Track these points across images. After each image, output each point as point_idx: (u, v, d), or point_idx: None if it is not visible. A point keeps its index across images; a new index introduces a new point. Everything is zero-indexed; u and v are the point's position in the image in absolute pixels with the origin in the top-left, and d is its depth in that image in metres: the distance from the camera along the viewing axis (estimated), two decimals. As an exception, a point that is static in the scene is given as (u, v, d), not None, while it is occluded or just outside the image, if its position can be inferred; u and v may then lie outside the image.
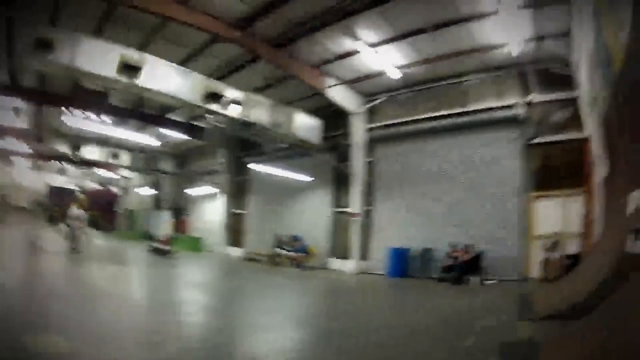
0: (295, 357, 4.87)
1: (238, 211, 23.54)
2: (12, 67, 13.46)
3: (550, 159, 12.46)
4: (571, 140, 11.86)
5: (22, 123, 18.36)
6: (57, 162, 26.71)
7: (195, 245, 23.36)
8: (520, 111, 12.97)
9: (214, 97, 11.70)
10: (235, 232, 23.43)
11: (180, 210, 27.59)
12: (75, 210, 14.78)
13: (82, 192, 27.55)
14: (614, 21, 5.78)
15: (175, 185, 28.72)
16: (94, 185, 34.45)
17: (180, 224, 26.51)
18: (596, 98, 7.90)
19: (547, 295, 8.06)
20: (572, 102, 11.70)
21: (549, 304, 7.19)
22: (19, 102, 15.42)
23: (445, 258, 13.46)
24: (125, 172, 30.59)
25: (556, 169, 12.28)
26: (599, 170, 8.30)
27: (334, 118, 16.76)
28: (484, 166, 13.84)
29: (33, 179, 32.65)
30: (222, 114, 12.16)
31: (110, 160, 23.84)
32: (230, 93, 12.14)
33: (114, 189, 35.42)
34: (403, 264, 14.66)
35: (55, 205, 27.66)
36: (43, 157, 25.26)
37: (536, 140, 12.71)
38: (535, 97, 12.71)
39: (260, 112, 12.91)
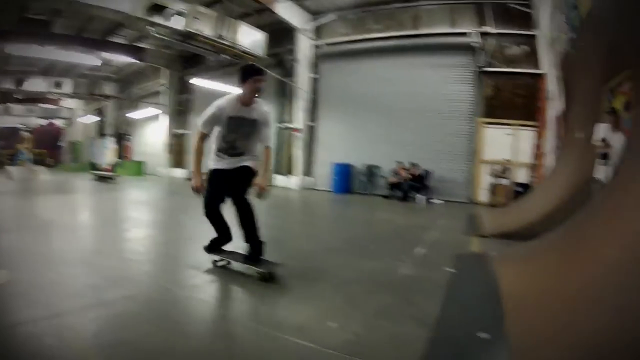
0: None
1: (180, 131, 22.87)
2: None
3: (502, 89, 12.83)
4: (525, 74, 12.32)
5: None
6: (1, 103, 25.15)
7: (138, 169, 22.90)
8: (474, 39, 13.02)
9: (158, 8, 11.20)
10: (177, 153, 22.93)
11: (122, 136, 26.73)
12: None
13: (28, 130, 25.88)
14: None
15: (118, 110, 27.56)
16: (39, 122, 32.44)
17: (123, 150, 25.78)
18: (557, 38, 8.34)
19: (496, 217, 8.25)
20: (528, 39, 12.16)
21: (498, 225, 7.35)
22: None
23: (392, 175, 13.76)
24: (69, 103, 29.02)
25: (507, 100, 12.72)
26: (553, 106, 8.90)
27: (281, 34, 16.15)
28: (434, 88, 13.85)
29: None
30: (165, 26, 11.67)
31: (54, 90, 22.57)
32: (175, 5, 11.60)
33: (58, 123, 33.64)
34: (348, 180, 14.89)
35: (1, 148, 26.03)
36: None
37: (489, 69, 12.99)
38: (491, 29, 12.88)
39: (204, 24, 12.41)
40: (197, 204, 4.31)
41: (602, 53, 5.39)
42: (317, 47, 16.49)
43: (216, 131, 4.04)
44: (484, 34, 12.97)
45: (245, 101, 3.93)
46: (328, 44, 16.19)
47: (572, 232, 4.46)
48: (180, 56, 20.96)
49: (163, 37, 12.44)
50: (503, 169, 12.38)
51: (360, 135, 15.27)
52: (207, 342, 2.63)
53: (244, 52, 13.81)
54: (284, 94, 17.34)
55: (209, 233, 4.33)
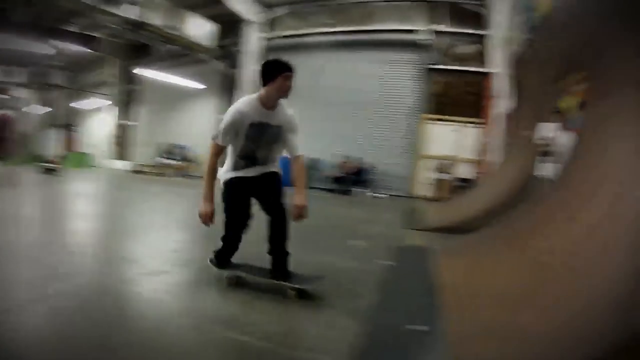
0: (178, 248, 5.06)
1: (127, 122, 22.22)
2: None
3: (451, 87, 13.11)
4: (474, 72, 12.62)
5: None
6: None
7: (83, 161, 21.80)
8: (424, 37, 13.24)
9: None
10: (123, 144, 22.33)
11: (69, 127, 25.46)
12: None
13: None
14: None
15: (66, 100, 26.18)
16: (-13, 112, 30.22)
17: (70, 141, 24.56)
18: (510, 38, 8.50)
19: (438, 212, 8.43)
20: (478, 38, 12.41)
21: (440, 219, 7.50)
22: None
23: (335, 169, 13.82)
24: (18, 92, 27.32)
25: (456, 97, 13.02)
26: (501, 104, 9.13)
27: (231, 26, 15.97)
28: (382, 84, 14.03)
29: None
30: (117, 15, 11.62)
31: (4, 79, 21.67)
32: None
33: (8, 113, 31.62)
34: (289, 172, 14.90)
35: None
36: None
37: (437, 67, 13.21)
38: (443, 27, 13.12)
39: (155, 13, 12.47)
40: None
41: (556, 54, 5.50)
42: (267, 39, 16.23)
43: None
44: (436, 32, 13.14)
45: (270, 104, 3.31)
46: (278, 37, 16.00)
47: (510, 227, 4.62)
48: (130, 46, 20.19)
49: (115, 27, 12.56)
50: (447, 165, 12.65)
51: (304, 127, 14.97)
52: (146, 335, 2.56)
53: (193, 42, 13.87)
54: (230, 86, 17.01)
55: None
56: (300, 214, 3.39)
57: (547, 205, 4.15)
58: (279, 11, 15.78)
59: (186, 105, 19.15)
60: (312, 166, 14.50)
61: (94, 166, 21.76)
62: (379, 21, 14.16)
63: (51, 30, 16.13)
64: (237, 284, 3.57)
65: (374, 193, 13.05)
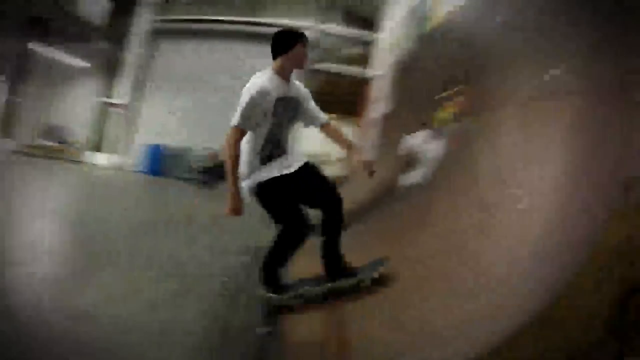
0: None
1: (16, 99, 19.34)
2: None
3: (330, 86, 13.32)
4: (355, 74, 12.83)
5: None
6: None
7: None
8: (312, 35, 13.28)
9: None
10: (10, 122, 19.33)
11: None
12: None
13: None
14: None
15: None
16: None
17: None
18: (397, 45, 8.69)
19: None
20: (366, 42, 12.67)
21: None
22: None
23: (203, 161, 13.41)
24: None
25: (333, 96, 13.24)
26: (378, 108, 9.30)
27: (126, 5, 15.03)
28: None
29: None
30: None
31: None
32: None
33: None
34: (159, 161, 14.30)
35: None
36: None
37: (320, 66, 13.27)
38: (331, 27, 13.25)
39: None
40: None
41: (440, 65, 5.64)
42: (159, 22, 15.39)
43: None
44: (324, 32, 13.17)
45: (286, 76, 3.06)
46: (167, 20, 15.31)
47: (371, 230, 4.59)
48: (21, 20, 17.74)
49: None
50: (319, 162, 12.54)
51: (184, 115, 14.75)
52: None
53: (83, 18, 13.08)
54: (115, 67, 16.00)
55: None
56: (369, 167, 3.31)
57: (410, 210, 4.18)
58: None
59: (71, 85, 17.86)
60: (182, 155, 14.17)
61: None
62: (270, 14, 14.09)
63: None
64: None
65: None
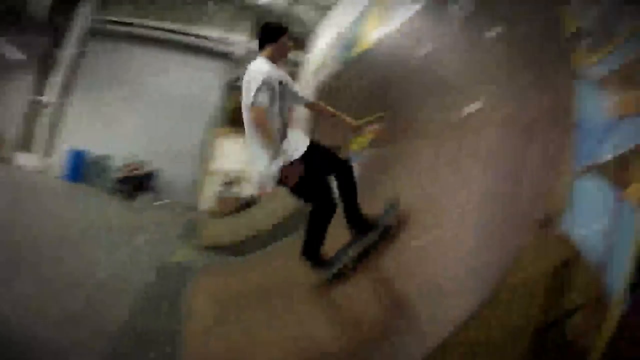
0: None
1: None
2: None
3: None
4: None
5: None
6: None
7: None
8: (239, 51, 13.28)
9: None
10: None
11: None
12: None
13: None
14: (378, 15, 6.38)
15: None
16: None
17: None
18: (324, 67, 8.69)
19: (216, 228, 8.37)
20: (293, 62, 12.63)
21: (215, 236, 7.43)
22: None
23: (121, 170, 12.81)
24: None
25: None
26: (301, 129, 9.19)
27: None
28: (187, 90, 13.70)
29: None
30: None
31: None
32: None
33: None
34: (81, 168, 13.36)
35: None
36: None
37: (241, 83, 13.12)
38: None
39: None
40: None
41: (362, 90, 5.65)
42: (97, 22, 14.37)
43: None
44: (251, 48, 13.08)
45: (275, 63, 3.23)
46: (107, 22, 14.32)
47: (277, 254, 4.67)
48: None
49: None
50: (231, 180, 12.40)
51: (110, 121, 13.79)
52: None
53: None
54: (48, 63, 14.62)
55: None
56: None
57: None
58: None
59: (6, 79, 15.77)
60: (103, 163, 13.26)
61: None
62: (204, 25, 13.86)
63: None
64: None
65: (158, 199, 12.27)
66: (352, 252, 3.36)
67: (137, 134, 13.50)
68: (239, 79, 12.58)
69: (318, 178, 3.22)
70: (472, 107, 3.39)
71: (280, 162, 3.02)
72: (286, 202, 6.36)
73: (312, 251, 3.30)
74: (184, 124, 13.41)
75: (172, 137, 13.29)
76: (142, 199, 12.04)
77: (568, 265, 2.09)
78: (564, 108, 2.53)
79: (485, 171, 2.84)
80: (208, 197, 12.62)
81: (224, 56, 13.46)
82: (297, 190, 3.21)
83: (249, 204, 11.01)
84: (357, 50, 6.76)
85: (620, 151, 2.14)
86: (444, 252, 2.63)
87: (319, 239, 3.27)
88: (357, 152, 4.91)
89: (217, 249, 6.37)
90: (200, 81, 13.65)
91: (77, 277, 4.03)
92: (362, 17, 7.26)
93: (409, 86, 4.36)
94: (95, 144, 13.50)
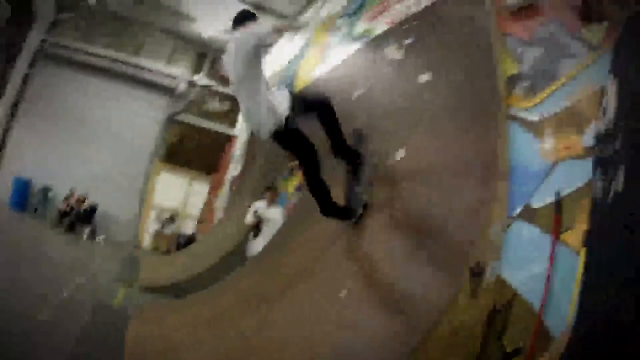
0: None
1: None
2: None
3: (189, 139, 12.89)
4: (216, 131, 12.77)
5: None
6: None
7: None
8: (179, 85, 13.12)
9: None
10: None
11: None
12: None
13: None
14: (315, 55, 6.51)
15: None
16: None
17: None
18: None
19: (154, 266, 8.24)
20: (233, 98, 12.63)
21: (154, 275, 7.33)
22: None
23: (63, 203, 12.29)
24: None
25: (194, 151, 12.81)
26: (234, 167, 9.16)
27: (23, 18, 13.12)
28: (126, 122, 13.39)
29: None
30: None
31: None
32: None
33: None
34: (24, 198, 12.75)
35: None
36: None
37: (181, 118, 13.04)
38: (202, 79, 13.12)
39: None
40: None
41: None
42: (46, 43, 13.61)
43: None
44: (191, 83, 12.97)
45: None
46: (56, 45, 13.66)
47: (213, 300, 4.63)
48: None
49: None
50: (170, 217, 12.21)
51: (52, 150, 13.24)
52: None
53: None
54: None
55: None
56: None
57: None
58: (65, 15, 13.44)
59: None
60: (45, 195, 12.74)
61: None
62: (147, 55, 13.54)
63: None
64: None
65: (96, 235, 11.74)
66: (362, 191, 3.66)
67: (79, 165, 12.98)
68: (178, 113, 12.59)
69: (297, 130, 3.47)
70: (400, 154, 3.55)
71: (277, 114, 3.33)
72: (225, 240, 6.36)
73: (328, 207, 3.56)
74: (126, 158, 13.08)
75: (114, 170, 12.92)
76: (85, 234, 11.61)
77: (505, 308, 2.16)
78: (496, 153, 2.61)
79: (412, 220, 2.97)
80: (148, 233, 12.40)
81: (165, 90, 13.22)
82: (285, 145, 3.61)
83: (189, 240, 10.81)
84: (295, 87, 6.90)
85: (555, 196, 2.21)
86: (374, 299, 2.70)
87: (324, 192, 3.55)
88: (286, 195, 5.02)
89: (156, 290, 6.29)
90: (142, 114, 13.35)
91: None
92: (300, 55, 7.42)
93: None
94: (37, 174, 12.86)
